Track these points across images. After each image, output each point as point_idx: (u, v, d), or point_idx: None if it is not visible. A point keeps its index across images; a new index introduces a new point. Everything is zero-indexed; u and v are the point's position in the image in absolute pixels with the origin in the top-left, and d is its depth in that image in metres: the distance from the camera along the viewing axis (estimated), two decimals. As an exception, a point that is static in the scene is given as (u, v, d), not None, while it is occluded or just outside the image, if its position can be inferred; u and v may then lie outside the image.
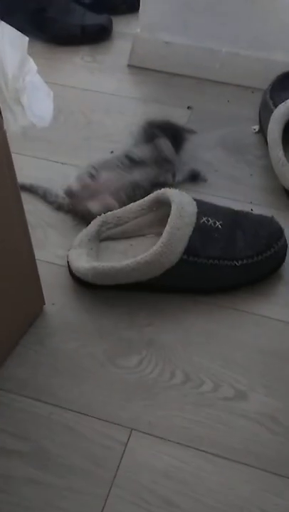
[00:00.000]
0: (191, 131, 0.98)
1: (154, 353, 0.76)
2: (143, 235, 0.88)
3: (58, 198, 0.92)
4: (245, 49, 1.17)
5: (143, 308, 0.81)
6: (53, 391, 0.73)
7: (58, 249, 0.88)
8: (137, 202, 0.87)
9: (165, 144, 0.92)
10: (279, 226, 0.85)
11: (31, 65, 0.64)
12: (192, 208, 0.82)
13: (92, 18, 1.30)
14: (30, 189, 0.93)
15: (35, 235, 0.89)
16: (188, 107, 1.14)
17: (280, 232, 0.84)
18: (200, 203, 0.84)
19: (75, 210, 0.90)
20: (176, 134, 0.96)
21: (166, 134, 0.94)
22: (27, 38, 0.62)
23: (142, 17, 1.20)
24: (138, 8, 1.20)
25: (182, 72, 1.21)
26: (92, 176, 0.90)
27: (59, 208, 0.92)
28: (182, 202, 0.81)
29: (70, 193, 0.90)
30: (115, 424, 0.70)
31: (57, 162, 1.03)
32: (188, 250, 0.79)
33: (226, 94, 1.17)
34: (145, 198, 0.87)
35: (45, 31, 1.29)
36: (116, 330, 0.79)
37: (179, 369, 0.75)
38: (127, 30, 1.31)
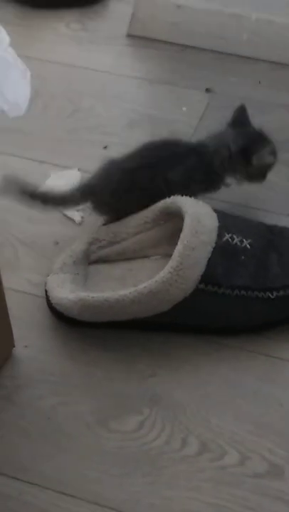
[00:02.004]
0: None
1: (160, 412, 0.77)
2: (146, 257, 0.90)
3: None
4: (282, 15, 1.20)
5: (145, 353, 0.82)
6: (24, 463, 0.73)
7: (32, 274, 0.90)
8: (139, 213, 0.89)
9: None
10: None
11: (2, 35, 0.66)
12: (212, 222, 0.84)
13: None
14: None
15: (3, 255, 0.92)
16: (206, 90, 1.17)
17: None
18: (222, 216, 0.86)
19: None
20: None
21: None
22: None
23: (147, -27, 1.24)
24: None
25: (199, 44, 1.24)
26: None
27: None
28: (198, 214, 0.83)
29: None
30: (107, 507, 0.70)
31: (33, 160, 1.05)
32: (207, 277, 0.80)
33: (257, 73, 1.20)
34: (149, 209, 0.89)
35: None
36: (109, 382, 0.80)
37: (193, 435, 0.76)
38: (126, -11, 1.35)
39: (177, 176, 0.90)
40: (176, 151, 0.91)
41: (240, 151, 0.91)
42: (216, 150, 0.92)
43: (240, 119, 0.94)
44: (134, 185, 0.90)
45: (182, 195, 0.87)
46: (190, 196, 0.87)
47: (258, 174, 0.94)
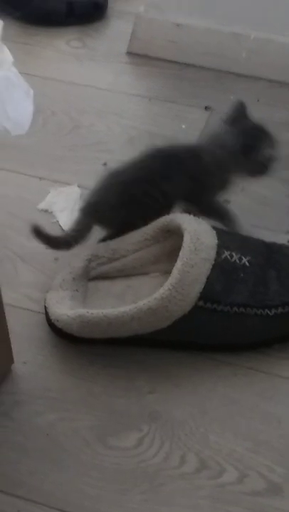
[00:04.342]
0: None
1: (159, 429, 0.78)
2: (146, 274, 0.91)
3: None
4: (280, 34, 1.22)
5: (144, 370, 0.83)
6: (22, 480, 0.73)
7: (32, 290, 0.91)
8: (139, 230, 0.90)
9: None
10: None
11: (6, 55, 0.67)
12: (211, 239, 0.84)
13: (82, -9, 1.36)
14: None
15: (3, 271, 0.92)
16: (206, 108, 1.18)
17: None
18: (221, 233, 0.86)
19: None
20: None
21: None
22: (1, 22, 0.65)
23: (147, -9, 1.26)
24: (142, -19, 1.26)
25: (198, 62, 1.26)
26: None
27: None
28: (198, 231, 0.84)
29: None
30: (105, 525, 0.71)
31: (33, 176, 1.06)
32: (206, 295, 0.81)
33: (255, 91, 1.21)
34: (149, 226, 0.90)
35: (20, 7, 1.33)
36: (108, 398, 0.80)
37: (192, 452, 0.76)
38: (126, 7, 1.37)
39: (173, 188, 0.90)
40: (171, 163, 0.91)
41: (240, 149, 0.92)
42: (214, 155, 0.92)
43: (237, 115, 0.96)
44: (132, 197, 0.90)
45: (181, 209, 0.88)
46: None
47: (261, 168, 0.94)
